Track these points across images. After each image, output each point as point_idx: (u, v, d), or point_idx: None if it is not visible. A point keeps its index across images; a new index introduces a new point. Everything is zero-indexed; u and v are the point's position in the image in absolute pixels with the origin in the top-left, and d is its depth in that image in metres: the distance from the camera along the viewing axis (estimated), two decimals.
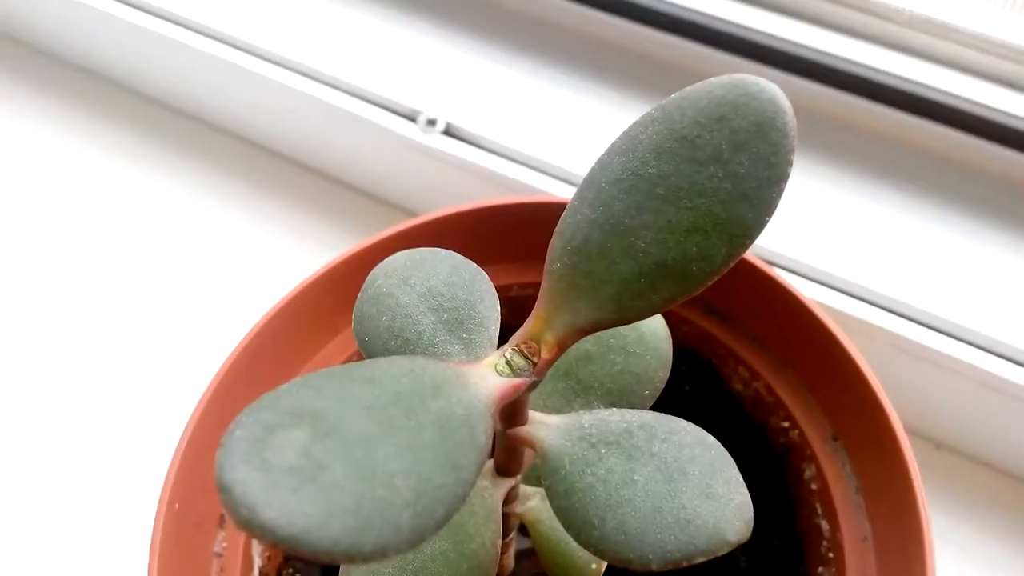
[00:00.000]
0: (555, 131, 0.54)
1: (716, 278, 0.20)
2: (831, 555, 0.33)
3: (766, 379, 0.36)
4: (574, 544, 0.27)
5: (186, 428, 0.33)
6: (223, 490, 0.15)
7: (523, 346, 0.22)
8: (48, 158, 0.62)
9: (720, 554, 0.20)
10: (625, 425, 0.22)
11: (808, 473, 0.35)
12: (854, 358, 0.33)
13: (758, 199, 0.20)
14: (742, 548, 0.34)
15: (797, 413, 0.35)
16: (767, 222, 0.20)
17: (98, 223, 0.59)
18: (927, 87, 0.49)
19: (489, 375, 0.21)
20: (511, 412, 0.23)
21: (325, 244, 0.58)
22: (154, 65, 0.63)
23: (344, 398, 0.17)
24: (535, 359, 0.22)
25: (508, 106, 0.56)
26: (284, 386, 0.18)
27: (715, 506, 0.21)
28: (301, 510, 0.15)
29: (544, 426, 0.23)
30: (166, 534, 0.31)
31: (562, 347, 0.22)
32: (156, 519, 0.31)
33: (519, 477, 0.27)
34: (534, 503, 0.28)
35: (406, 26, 0.60)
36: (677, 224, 0.20)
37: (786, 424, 0.36)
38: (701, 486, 0.21)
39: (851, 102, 0.51)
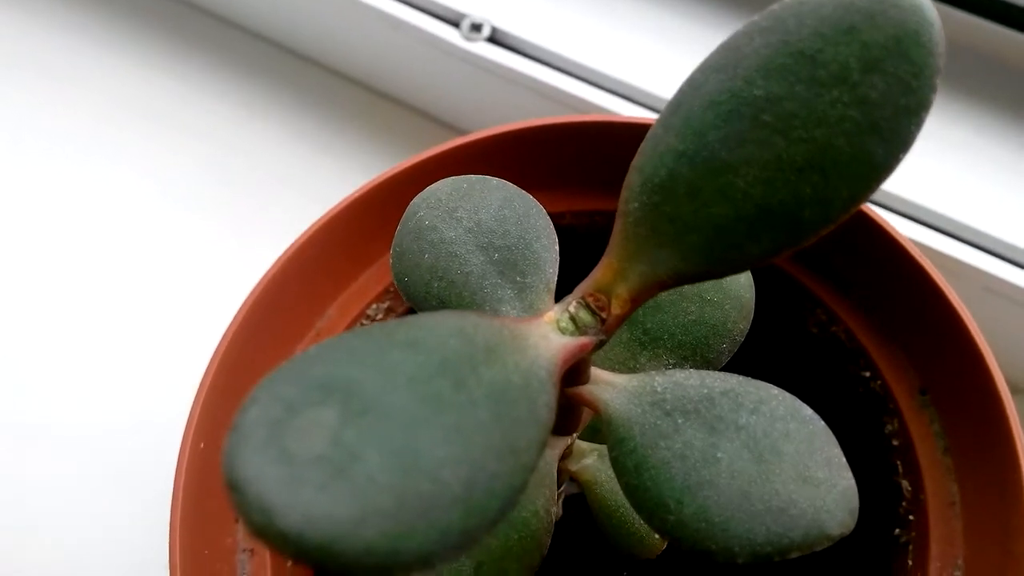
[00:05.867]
0: (619, 41, 0.50)
1: (832, 227, 0.17)
2: (911, 518, 0.30)
3: (847, 323, 0.32)
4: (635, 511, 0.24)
5: (210, 363, 0.30)
6: (233, 489, 0.12)
7: (590, 299, 0.19)
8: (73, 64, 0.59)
9: (818, 549, 0.17)
10: (706, 391, 0.19)
11: (890, 428, 0.32)
12: (951, 302, 0.29)
13: (892, 132, 0.16)
14: None
15: (881, 362, 0.32)
16: (901, 160, 0.16)
17: (123, 132, 0.56)
18: None
19: (551, 334, 0.18)
20: (571, 370, 0.20)
21: (363, 162, 0.54)
22: None
23: (382, 366, 0.14)
24: (604, 315, 0.18)
25: (563, 11, 0.51)
26: (312, 349, 0.15)
27: (814, 492, 0.18)
28: (328, 512, 0.12)
29: (610, 387, 0.20)
30: (190, 475, 0.29)
31: (636, 302, 0.18)
32: (180, 459, 0.29)
33: (575, 435, 0.24)
34: (590, 461, 0.25)
35: None
36: (788, 160, 0.16)
37: (867, 374, 0.32)
38: (797, 467, 0.18)
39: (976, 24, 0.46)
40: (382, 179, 0.33)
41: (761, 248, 0.17)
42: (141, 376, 0.47)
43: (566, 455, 0.25)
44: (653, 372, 0.20)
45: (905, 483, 0.31)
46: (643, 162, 0.18)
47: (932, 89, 0.16)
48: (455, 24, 0.51)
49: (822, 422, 0.19)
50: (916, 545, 0.30)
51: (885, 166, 0.16)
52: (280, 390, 0.13)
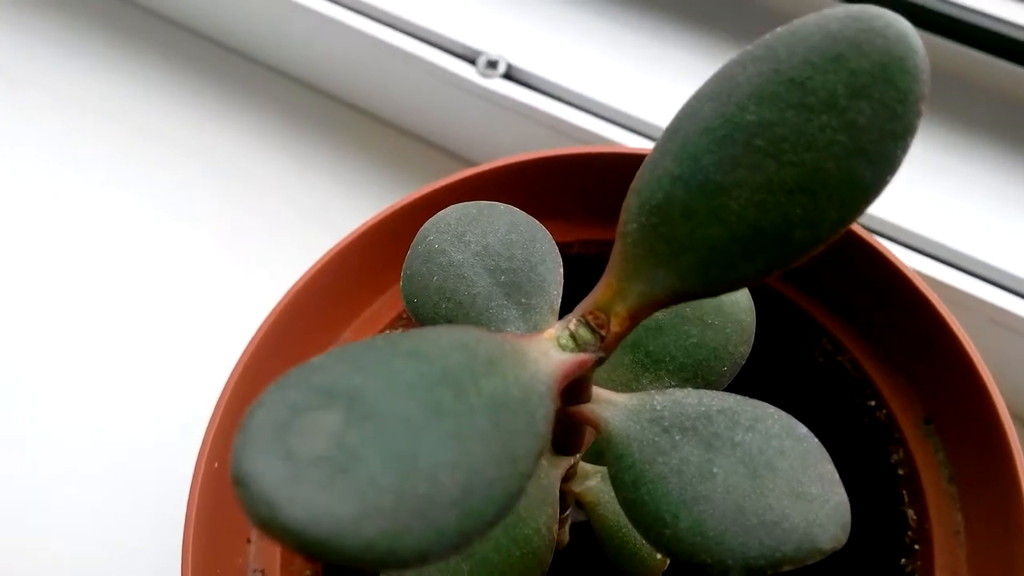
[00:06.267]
0: (627, 77, 0.51)
1: (822, 248, 0.17)
2: (917, 547, 0.30)
3: (852, 353, 0.33)
4: (637, 535, 0.24)
5: (226, 385, 0.31)
6: (239, 484, 0.13)
7: (590, 317, 0.19)
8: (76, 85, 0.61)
9: (810, 562, 0.18)
10: (703, 409, 0.20)
11: (895, 457, 0.32)
12: (955, 332, 0.30)
13: (879, 155, 0.17)
14: None
15: (885, 391, 0.32)
16: (888, 182, 0.17)
17: (135, 160, 0.57)
18: None
19: (551, 350, 0.18)
20: (573, 388, 0.21)
21: (376, 194, 0.56)
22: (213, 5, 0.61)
23: (385, 375, 0.15)
24: (603, 332, 0.19)
25: (574, 48, 0.52)
26: (317, 359, 0.15)
27: (807, 507, 0.18)
28: (329, 509, 0.13)
29: (610, 405, 0.21)
30: (204, 492, 0.30)
31: (635, 320, 0.19)
32: (194, 477, 0.30)
33: (579, 456, 0.24)
34: (594, 483, 0.25)
35: None
36: (779, 182, 0.17)
37: (872, 403, 0.32)
38: (791, 483, 0.18)
39: (970, 56, 0.47)
40: (394, 208, 0.34)
41: (754, 268, 0.18)
42: (157, 399, 0.48)
43: (570, 476, 0.25)
44: (653, 391, 0.21)
45: (911, 512, 0.31)
46: (641, 185, 0.19)
47: (917, 114, 0.16)
48: (471, 61, 0.52)
49: (816, 440, 0.19)
50: (921, 574, 0.30)
51: (873, 188, 0.17)
52: (286, 395, 0.14)
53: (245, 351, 0.32)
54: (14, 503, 0.45)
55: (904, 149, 0.17)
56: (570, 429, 0.23)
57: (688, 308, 0.24)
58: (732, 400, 0.20)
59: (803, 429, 0.19)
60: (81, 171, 0.57)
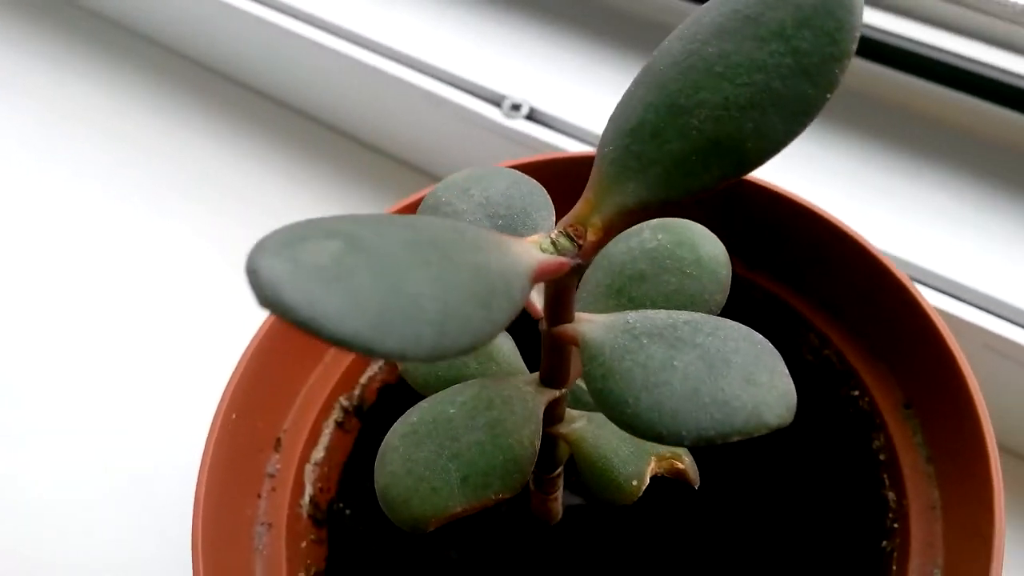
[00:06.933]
0: None
1: (771, 157, 0.20)
2: (896, 526, 0.31)
3: (837, 346, 0.35)
4: (615, 461, 0.26)
5: (251, 342, 0.33)
6: (249, 272, 0.15)
7: (570, 228, 0.22)
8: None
9: (757, 435, 0.20)
10: (671, 321, 0.22)
11: (877, 443, 0.33)
12: (932, 318, 0.31)
13: (820, 75, 0.19)
14: (801, 530, 0.33)
15: (868, 381, 0.34)
16: (827, 99, 0.19)
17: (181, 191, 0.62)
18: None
19: (532, 249, 0.21)
20: (556, 307, 0.23)
21: None
22: (251, 53, 0.66)
23: (382, 232, 0.18)
24: (581, 241, 0.21)
25: (594, 92, 0.56)
26: (321, 218, 0.18)
27: (756, 391, 0.20)
28: (325, 299, 0.15)
29: (588, 323, 0.23)
30: (220, 443, 0.32)
31: (609, 231, 0.21)
32: (212, 426, 0.32)
33: (565, 392, 0.26)
34: (579, 424, 0.27)
35: (493, 9, 0.61)
36: (734, 101, 0.20)
37: (856, 392, 0.34)
38: (743, 374, 0.20)
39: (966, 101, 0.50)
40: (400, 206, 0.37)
41: (712, 176, 0.20)
42: (163, 391, 0.50)
43: (558, 418, 0.27)
44: (628, 311, 0.23)
45: (891, 495, 0.32)
46: (617, 114, 0.21)
47: (853, 40, 0.19)
48: (496, 104, 0.56)
49: (770, 344, 0.21)
50: (899, 551, 0.31)
51: (815, 103, 0.19)
52: (295, 229, 0.17)
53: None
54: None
55: (842, 70, 0.19)
56: (556, 355, 0.25)
57: (669, 260, 0.27)
58: (698, 315, 0.22)
59: (759, 336, 0.21)
60: (122, 197, 0.61)
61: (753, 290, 0.37)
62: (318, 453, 0.36)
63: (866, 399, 0.34)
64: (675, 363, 0.21)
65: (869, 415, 0.33)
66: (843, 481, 0.34)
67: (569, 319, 0.23)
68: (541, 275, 0.20)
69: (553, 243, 0.21)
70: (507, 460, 0.24)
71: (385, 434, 0.31)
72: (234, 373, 0.33)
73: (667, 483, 0.31)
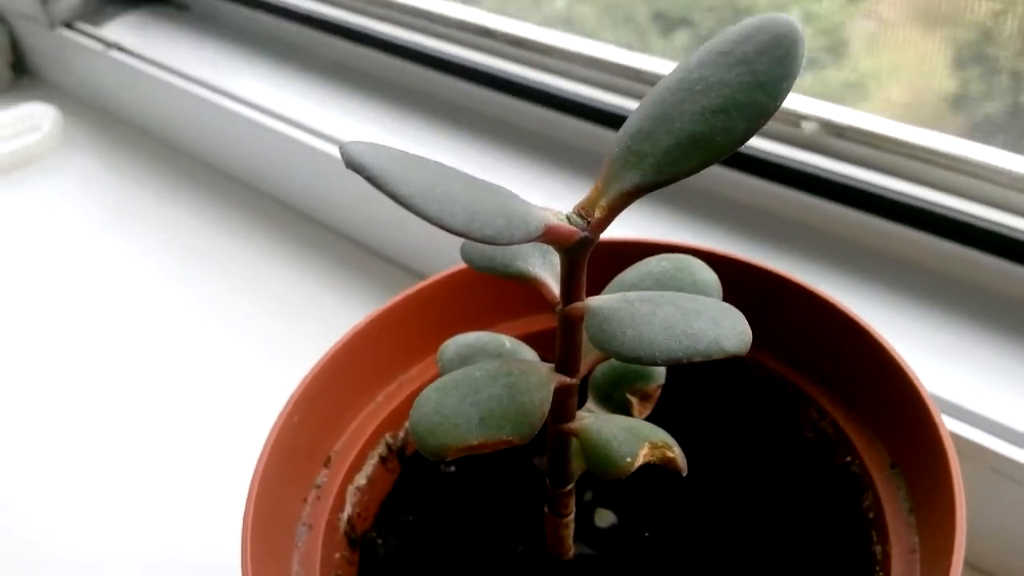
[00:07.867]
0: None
1: (736, 149, 0.26)
2: (880, 572, 0.34)
3: (833, 416, 0.38)
4: (614, 443, 0.30)
5: (318, 363, 0.39)
6: (342, 151, 0.21)
7: (580, 210, 0.27)
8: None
9: (715, 358, 0.24)
10: (659, 294, 0.27)
11: (867, 503, 0.36)
12: (914, 383, 0.35)
13: (772, 87, 0.25)
14: None
15: (859, 446, 0.37)
16: (778, 107, 0.25)
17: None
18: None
19: (547, 213, 0.27)
20: (570, 283, 0.28)
21: None
22: (265, 163, 0.77)
23: (437, 164, 0.24)
24: (589, 219, 0.27)
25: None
26: None
27: (719, 330, 0.25)
28: (390, 169, 0.21)
29: (594, 299, 0.28)
30: (279, 442, 0.36)
31: (612, 210, 0.27)
32: (274, 424, 0.37)
33: (576, 383, 0.31)
34: (587, 420, 0.32)
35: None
36: (708, 107, 0.26)
37: (848, 459, 0.37)
38: (711, 319, 0.25)
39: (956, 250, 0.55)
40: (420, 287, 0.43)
41: (691, 163, 0.26)
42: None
43: (568, 415, 0.32)
44: (628, 292, 0.28)
45: (878, 548, 0.35)
46: (625, 124, 0.28)
47: (798, 65, 0.25)
48: None
49: (740, 312, 0.26)
50: None
51: (768, 108, 0.25)
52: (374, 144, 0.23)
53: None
54: None
55: (789, 85, 0.25)
56: (568, 338, 0.30)
57: (670, 281, 0.32)
58: (684, 295, 0.27)
59: (728, 305, 0.26)
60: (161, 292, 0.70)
61: (760, 371, 0.41)
62: (360, 479, 0.40)
63: (857, 462, 0.37)
64: (657, 312, 0.26)
65: (860, 477, 0.36)
66: (837, 539, 0.37)
67: (580, 299, 0.29)
68: (551, 233, 0.26)
69: (567, 218, 0.27)
70: (519, 411, 0.28)
71: (423, 483, 0.37)
72: (301, 383, 0.38)
73: (680, 538, 0.36)
